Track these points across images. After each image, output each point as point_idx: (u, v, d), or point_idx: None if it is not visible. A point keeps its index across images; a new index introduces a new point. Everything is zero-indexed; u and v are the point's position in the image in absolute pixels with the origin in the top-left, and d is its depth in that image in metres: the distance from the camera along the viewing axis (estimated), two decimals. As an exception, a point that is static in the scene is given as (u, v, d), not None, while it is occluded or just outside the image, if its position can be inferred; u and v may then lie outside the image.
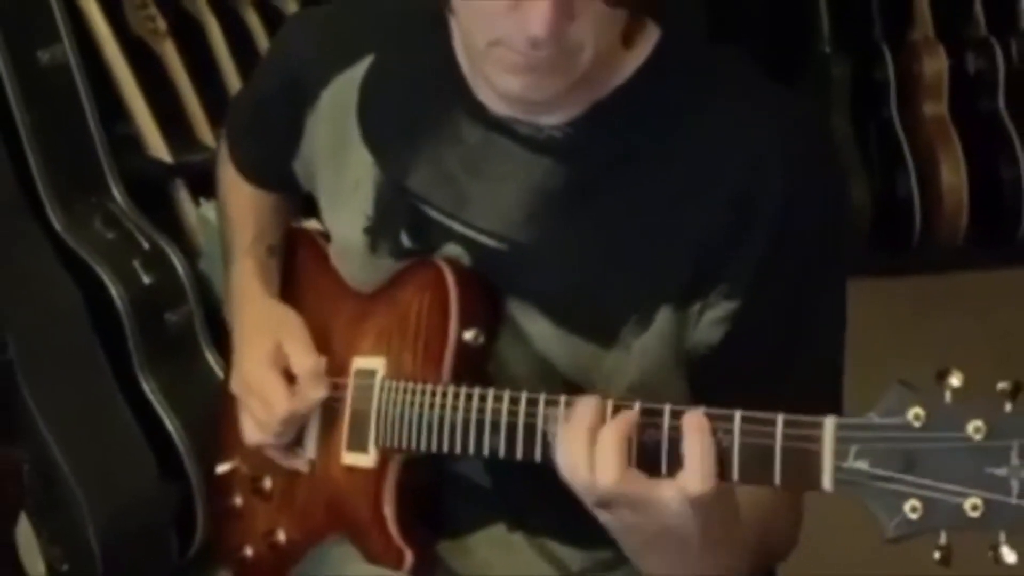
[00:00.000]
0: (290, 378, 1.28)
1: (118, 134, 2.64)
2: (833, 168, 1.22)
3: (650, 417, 1.01)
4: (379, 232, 1.27)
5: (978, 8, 3.94)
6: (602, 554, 1.26)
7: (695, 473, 0.97)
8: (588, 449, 1.00)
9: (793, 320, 1.17)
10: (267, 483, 1.36)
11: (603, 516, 1.03)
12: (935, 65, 3.90)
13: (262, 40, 2.99)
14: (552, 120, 1.17)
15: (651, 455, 1.00)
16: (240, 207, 1.46)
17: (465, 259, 1.22)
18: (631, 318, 1.16)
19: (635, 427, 1.01)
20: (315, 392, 1.27)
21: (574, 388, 1.16)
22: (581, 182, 1.18)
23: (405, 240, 1.25)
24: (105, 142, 2.54)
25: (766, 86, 1.19)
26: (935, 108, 3.93)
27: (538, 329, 1.19)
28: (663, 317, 1.16)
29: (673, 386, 1.18)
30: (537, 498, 1.22)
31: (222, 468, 1.42)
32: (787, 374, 1.17)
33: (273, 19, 3.02)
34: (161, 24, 2.80)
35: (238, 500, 1.41)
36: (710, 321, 1.16)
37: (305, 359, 1.28)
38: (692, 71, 1.19)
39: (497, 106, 1.19)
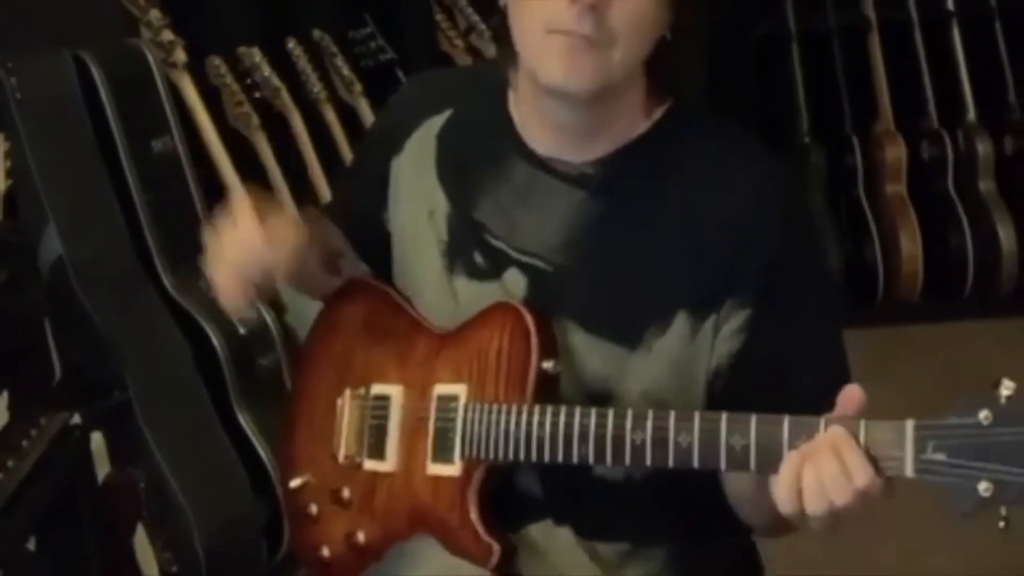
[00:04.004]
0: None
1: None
2: (809, 206, 1.39)
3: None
4: (454, 254, 1.37)
5: (931, 105, 4.12)
6: (625, 545, 1.36)
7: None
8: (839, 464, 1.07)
9: (803, 319, 1.26)
10: (346, 492, 1.42)
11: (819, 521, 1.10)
12: (895, 152, 4.08)
13: (337, 131, 3.15)
14: (584, 157, 1.29)
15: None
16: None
17: (523, 282, 1.31)
18: (653, 322, 1.26)
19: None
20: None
21: (597, 394, 1.27)
22: (608, 211, 1.28)
23: (479, 259, 1.35)
24: (207, 216, 2.37)
25: (755, 141, 1.33)
26: (895, 188, 4.10)
27: (572, 342, 1.27)
28: (680, 321, 1.25)
29: (686, 386, 1.28)
30: (578, 501, 1.33)
31: (295, 483, 1.48)
32: (801, 372, 1.25)
33: (346, 114, 3.21)
34: (254, 118, 2.99)
35: (313, 508, 1.46)
36: (729, 333, 1.26)
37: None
38: (699, 126, 1.32)
39: (540, 146, 1.31)
